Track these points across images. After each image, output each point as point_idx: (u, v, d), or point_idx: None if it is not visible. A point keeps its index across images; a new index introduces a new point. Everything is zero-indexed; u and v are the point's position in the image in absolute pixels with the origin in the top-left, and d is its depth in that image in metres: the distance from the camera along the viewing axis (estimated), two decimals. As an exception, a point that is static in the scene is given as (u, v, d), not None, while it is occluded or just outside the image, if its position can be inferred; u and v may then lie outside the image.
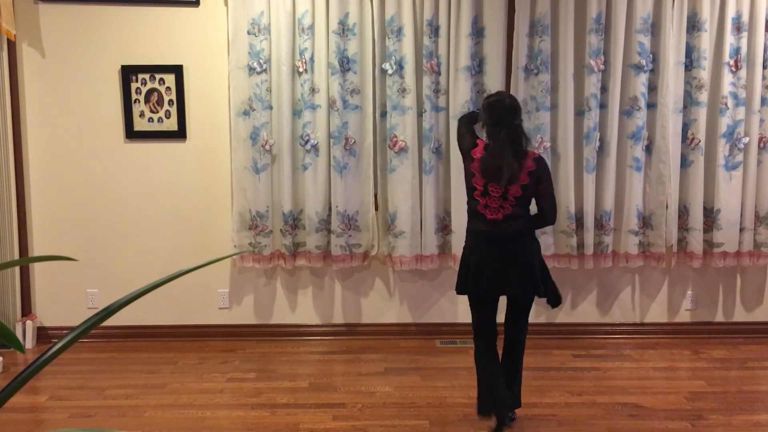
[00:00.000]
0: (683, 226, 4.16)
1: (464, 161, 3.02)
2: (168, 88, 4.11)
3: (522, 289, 2.89)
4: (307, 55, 3.93)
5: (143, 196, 4.20)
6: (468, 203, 3.00)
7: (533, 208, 3.00)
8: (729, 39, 3.96)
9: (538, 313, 4.33)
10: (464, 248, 3.02)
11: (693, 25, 3.99)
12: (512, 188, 2.85)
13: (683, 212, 4.15)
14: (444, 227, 4.14)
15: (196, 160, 4.18)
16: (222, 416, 3.17)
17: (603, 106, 4.02)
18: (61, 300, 4.25)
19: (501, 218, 2.87)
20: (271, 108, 4.01)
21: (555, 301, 2.98)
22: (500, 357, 3.03)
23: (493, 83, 3.97)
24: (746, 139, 4.04)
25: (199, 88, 4.11)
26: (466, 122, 3.21)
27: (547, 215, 2.96)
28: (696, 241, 4.10)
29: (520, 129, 2.89)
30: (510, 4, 3.96)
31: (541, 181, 2.91)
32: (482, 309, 2.99)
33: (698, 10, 3.95)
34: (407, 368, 3.76)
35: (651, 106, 4.03)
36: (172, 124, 4.14)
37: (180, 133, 4.14)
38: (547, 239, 4.07)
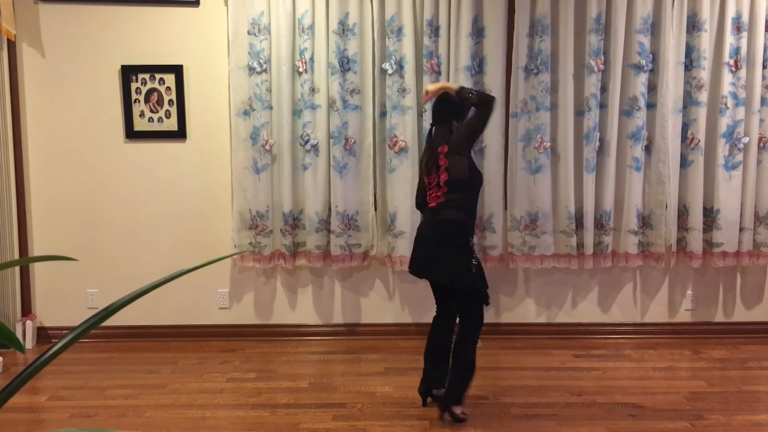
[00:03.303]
0: (683, 225, 4.16)
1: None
2: (168, 88, 4.11)
3: (441, 275, 3.05)
4: (307, 55, 3.94)
5: (143, 196, 4.20)
6: None
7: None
8: (729, 39, 3.96)
9: (538, 312, 4.33)
10: None
11: (693, 25, 3.99)
12: (441, 175, 3.02)
13: (683, 212, 4.15)
14: (444, 227, 4.14)
15: (196, 160, 4.18)
16: (222, 416, 3.17)
17: (603, 106, 4.02)
18: (61, 300, 4.25)
19: (435, 206, 3.05)
20: (271, 108, 4.01)
21: (478, 298, 3.07)
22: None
23: (493, 83, 3.97)
24: (746, 139, 4.04)
25: (199, 88, 4.12)
26: None
27: (484, 103, 3.04)
28: (695, 240, 4.10)
29: (452, 125, 3.07)
30: (510, 4, 3.96)
31: (455, 146, 3.01)
32: (432, 290, 3.24)
33: (698, 10, 3.95)
34: (407, 368, 3.76)
35: (651, 106, 4.03)
36: (172, 124, 4.14)
37: (180, 133, 4.14)
38: (546, 239, 4.08)
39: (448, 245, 3.01)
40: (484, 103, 3.01)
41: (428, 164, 3.09)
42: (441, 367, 3.15)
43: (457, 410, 3.07)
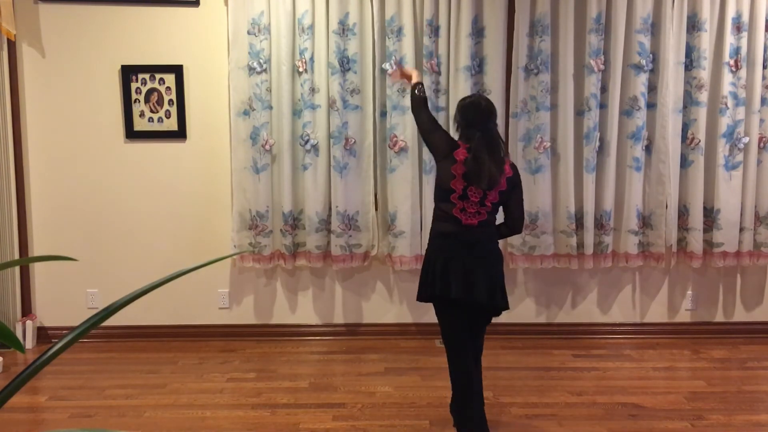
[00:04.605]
0: (683, 225, 4.16)
1: (441, 161, 2.83)
2: (168, 88, 4.11)
3: (489, 297, 2.79)
4: (307, 55, 3.93)
5: (143, 196, 4.20)
6: (438, 205, 2.85)
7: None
8: (729, 39, 3.96)
9: (538, 312, 4.33)
10: (429, 251, 2.87)
11: (693, 25, 3.99)
12: (491, 193, 2.76)
13: (683, 212, 4.15)
14: (444, 227, 4.13)
15: (196, 160, 4.18)
16: (222, 416, 3.17)
17: (603, 106, 4.02)
18: (61, 300, 4.25)
19: (476, 224, 2.77)
20: (271, 108, 4.01)
21: (503, 308, 2.89)
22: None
23: (493, 83, 3.97)
24: (746, 139, 4.04)
25: (199, 88, 4.11)
26: (428, 115, 2.94)
27: (517, 224, 2.90)
28: (696, 240, 4.10)
29: (497, 132, 2.83)
30: (510, 4, 3.96)
31: (515, 188, 2.84)
32: (454, 317, 2.83)
33: (698, 10, 3.95)
34: (407, 368, 3.76)
35: (651, 106, 4.03)
36: (172, 124, 4.14)
37: (180, 133, 4.14)
38: (547, 239, 4.07)
39: (498, 266, 2.85)
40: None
41: (480, 175, 2.72)
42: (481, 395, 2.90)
43: None
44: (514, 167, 2.86)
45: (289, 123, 3.98)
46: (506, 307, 2.90)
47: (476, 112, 2.80)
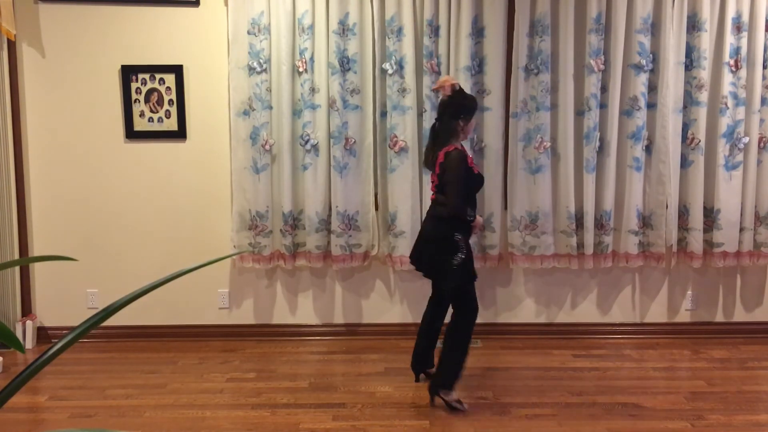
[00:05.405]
0: (683, 226, 4.16)
1: None
2: (168, 88, 4.11)
3: (422, 266, 3.30)
4: (307, 55, 3.93)
5: (143, 196, 4.20)
6: None
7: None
8: (729, 39, 3.96)
9: (538, 312, 4.33)
10: None
11: (693, 25, 3.99)
12: (433, 176, 3.26)
13: (683, 212, 4.15)
14: (444, 227, 4.13)
15: (196, 160, 4.18)
16: (222, 416, 3.17)
17: (603, 106, 4.02)
18: (61, 300, 4.25)
19: (431, 201, 3.32)
20: (271, 108, 4.01)
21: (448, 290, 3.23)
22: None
23: (493, 83, 3.97)
24: (746, 139, 4.04)
25: (199, 88, 4.11)
26: None
27: (448, 207, 3.10)
28: (696, 241, 4.10)
29: (447, 124, 3.18)
30: (510, 4, 3.96)
31: (444, 173, 3.14)
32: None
33: (698, 10, 3.95)
34: (407, 368, 3.75)
35: (651, 106, 4.03)
36: (172, 124, 4.14)
37: (180, 133, 4.14)
38: (547, 239, 4.07)
39: (433, 241, 3.20)
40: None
41: (426, 161, 3.36)
42: (430, 345, 3.46)
43: (449, 397, 3.14)
44: (449, 154, 3.13)
45: (289, 123, 3.98)
46: (447, 286, 3.21)
47: (440, 105, 3.27)
